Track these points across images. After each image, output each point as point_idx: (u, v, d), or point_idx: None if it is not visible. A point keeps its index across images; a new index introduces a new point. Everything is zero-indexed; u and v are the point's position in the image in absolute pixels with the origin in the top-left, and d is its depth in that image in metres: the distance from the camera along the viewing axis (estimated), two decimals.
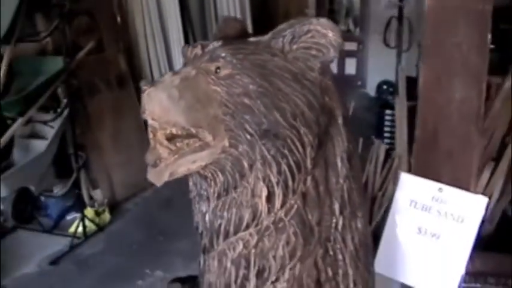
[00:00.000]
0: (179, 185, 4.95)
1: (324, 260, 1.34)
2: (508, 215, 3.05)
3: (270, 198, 1.28)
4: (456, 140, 1.63)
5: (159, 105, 1.24)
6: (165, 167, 1.29)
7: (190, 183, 1.43)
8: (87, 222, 4.57)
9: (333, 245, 1.35)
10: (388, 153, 3.39)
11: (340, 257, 1.36)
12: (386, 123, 5.28)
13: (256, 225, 1.30)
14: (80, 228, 4.55)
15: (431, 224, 1.64)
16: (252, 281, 1.31)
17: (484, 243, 2.73)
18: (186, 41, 5.68)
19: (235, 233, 1.31)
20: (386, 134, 5.07)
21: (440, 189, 1.63)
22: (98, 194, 4.95)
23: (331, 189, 1.34)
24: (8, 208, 4.18)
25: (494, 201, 2.99)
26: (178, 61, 5.73)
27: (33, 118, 4.24)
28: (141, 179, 5.17)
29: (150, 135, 1.31)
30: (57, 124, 4.32)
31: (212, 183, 1.33)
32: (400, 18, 6.56)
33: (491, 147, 3.01)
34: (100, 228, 4.69)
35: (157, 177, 1.32)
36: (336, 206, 1.34)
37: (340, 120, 1.36)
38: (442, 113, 1.63)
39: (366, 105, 7.03)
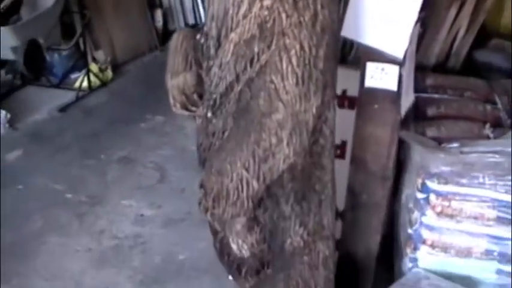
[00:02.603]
0: None
1: None
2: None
3: None
4: None
5: None
6: None
7: None
8: (91, 77, 4.98)
9: None
10: None
11: None
12: None
13: None
14: (85, 83, 4.96)
15: None
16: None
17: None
18: None
19: None
20: None
21: None
22: (99, 55, 5.33)
23: None
24: (19, 58, 4.52)
25: (460, 38, 3.38)
26: None
27: None
28: (140, 44, 5.57)
29: None
30: None
31: None
32: None
33: None
34: (103, 83, 5.12)
35: None
36: None
37: None
38: None
39: None
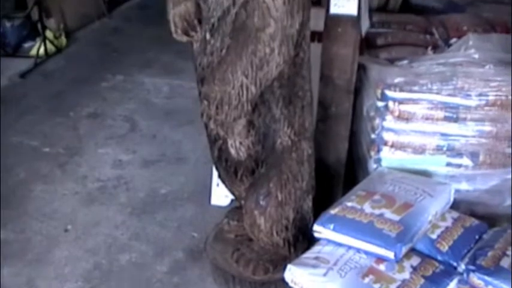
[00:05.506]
0: (123, 17, 5.61)
1: None
2: None
3: None
4: None
5: None
6: None
7: None
8: (47, 43, 5.15)
9: None
10: None
11: None
12: None
13: None
14: (42, 50, 5.13)
15: None
16: None
17: None
18: None
19: None
20: None
21: None
22: (51, 23, 5.48)
23: None
24: None
25: None
26: None
27: None
28: (89, 12, 5.77)
29: None
30: None
31: None
32: None
33: None
34: (59, 49, 5.30)
35: None
36: None
37: None
38: None
39: None
